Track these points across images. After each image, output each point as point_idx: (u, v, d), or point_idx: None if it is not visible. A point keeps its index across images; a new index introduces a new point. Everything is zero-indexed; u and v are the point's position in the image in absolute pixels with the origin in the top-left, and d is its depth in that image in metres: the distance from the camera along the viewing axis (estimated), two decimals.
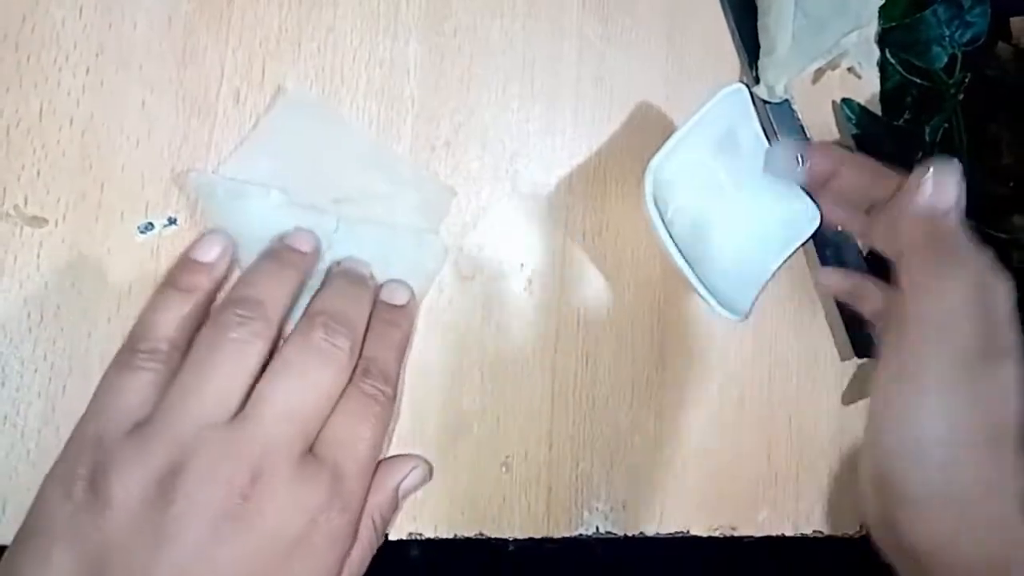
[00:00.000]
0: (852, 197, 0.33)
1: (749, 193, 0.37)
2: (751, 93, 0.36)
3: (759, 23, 0.41)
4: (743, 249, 0.36)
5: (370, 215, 0.33)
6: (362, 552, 0.28)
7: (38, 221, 0.29)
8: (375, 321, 0.30)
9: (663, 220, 0.33)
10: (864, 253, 0.41)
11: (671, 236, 0.33)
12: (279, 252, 0.30)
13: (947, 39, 0.44)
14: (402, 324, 0.31)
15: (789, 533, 0.40)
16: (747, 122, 0.36)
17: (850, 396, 0.42)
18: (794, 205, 0.36)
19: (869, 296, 0.35)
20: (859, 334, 0.41)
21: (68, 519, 0.24)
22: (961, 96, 0.44)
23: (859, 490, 0.29)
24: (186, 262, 0.29)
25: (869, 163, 0.33)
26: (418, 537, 0.33)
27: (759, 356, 0.41)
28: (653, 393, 0.38)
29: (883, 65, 0.44)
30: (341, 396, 0.28)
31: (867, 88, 0.44)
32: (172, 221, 0.31)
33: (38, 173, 0.30)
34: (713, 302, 0.33)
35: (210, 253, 0.29)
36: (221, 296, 0.29)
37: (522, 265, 0.36)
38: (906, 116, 0.44)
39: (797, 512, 0.40)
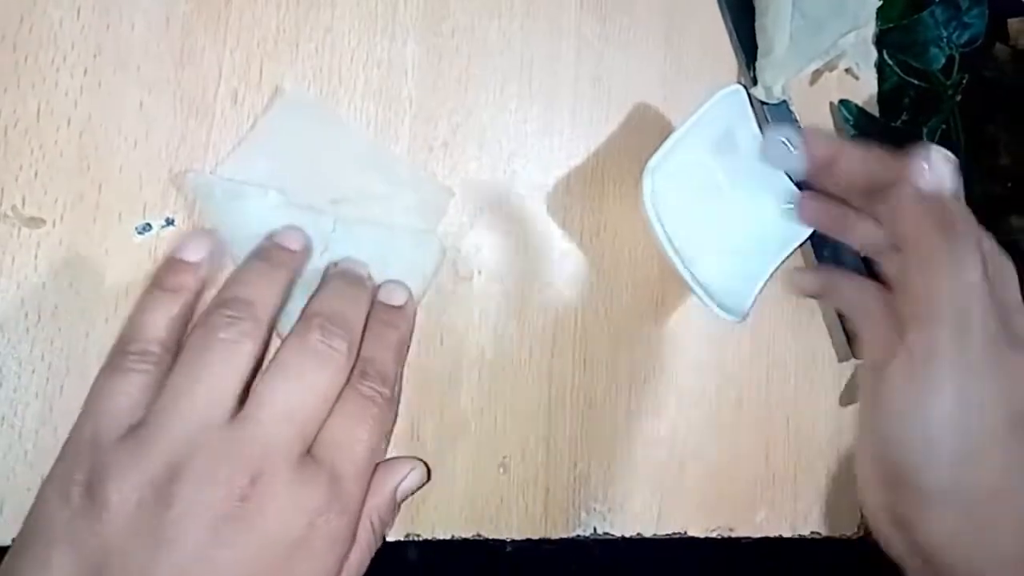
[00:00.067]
0: (855, 182, 0.31)
1: (747, 194, 0.37)
2: (749, 94, 0.36)
3: (757, 24, 0.41)
4: (741, 250, 0.36)
5: (368, 216, 0.33)
6: (361, 554, 0.28)
7: (36, 222, 0.29)
8: (373, 322, 0.30)
9: (661, 221, 0.33)
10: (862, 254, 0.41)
11: (669, 237, 0.33)
12: (268, 251, 0.29)
13: (945, 40, 0.44)
14: (400, 325, 0.31)
15: (787, 534, 0.40)
16: (745, 123, 0.36)
17: (848, 397, 0.42)
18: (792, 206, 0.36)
19: (842, 288, 0.32)
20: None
21: (66, 524, 0.24)
22: (959, 97, 0.44)
23: (859, 485, 0.28)
24: (172, 262, 0.29)
25: (870, 148, 0.31)
26: (416, 538, 0.33)
27: (757, 357, 0.41)
28: (651, 394, 0.38)
29: (881, 66, 0.44)
30: (339, 398, 0.28)
31: (865, 89, 0.44)
32: (170, 222, 0.31)
33: (36, 174, 0.30)
34: (711, 303, 0.33)
35: (196, 253, 0.29)
36: (211, 295, 0.29)
37: (520, 266, 0.36)
38: (904, 117, 0.44)
39: (795, 513, 0.40)
